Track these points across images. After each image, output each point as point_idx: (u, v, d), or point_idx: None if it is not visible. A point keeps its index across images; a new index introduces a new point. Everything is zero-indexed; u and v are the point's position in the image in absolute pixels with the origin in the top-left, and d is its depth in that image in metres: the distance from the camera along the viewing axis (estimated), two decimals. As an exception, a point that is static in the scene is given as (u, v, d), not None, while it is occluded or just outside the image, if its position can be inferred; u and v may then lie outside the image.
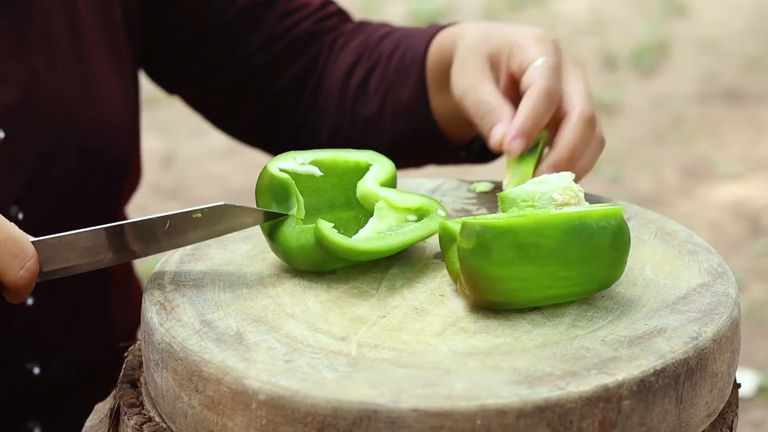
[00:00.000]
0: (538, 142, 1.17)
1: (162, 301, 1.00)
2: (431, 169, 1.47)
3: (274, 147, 1.46)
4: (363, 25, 1.42)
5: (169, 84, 1.47)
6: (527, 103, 1.12)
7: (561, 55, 1.17)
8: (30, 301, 1.31)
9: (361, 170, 1.09)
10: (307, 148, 1.23)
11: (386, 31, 1.39)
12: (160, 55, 1.43)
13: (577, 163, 1.14)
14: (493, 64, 1.21)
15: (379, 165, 1.09)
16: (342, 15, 1.43)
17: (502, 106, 1.16)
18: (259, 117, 1.43)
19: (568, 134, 1.13)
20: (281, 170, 1.05)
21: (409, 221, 1.06)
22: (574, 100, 1.15)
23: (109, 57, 1.34)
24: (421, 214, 1.06)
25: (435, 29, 1.32)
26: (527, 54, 1.16)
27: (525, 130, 1.12)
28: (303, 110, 1.41)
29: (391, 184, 1.09)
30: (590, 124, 1.14)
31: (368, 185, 1.08)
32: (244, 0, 1.39)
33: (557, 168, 1.12)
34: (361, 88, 1.35)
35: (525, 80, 1.14)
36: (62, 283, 1.30)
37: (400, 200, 1.07)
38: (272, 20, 1.39)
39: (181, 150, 3.69)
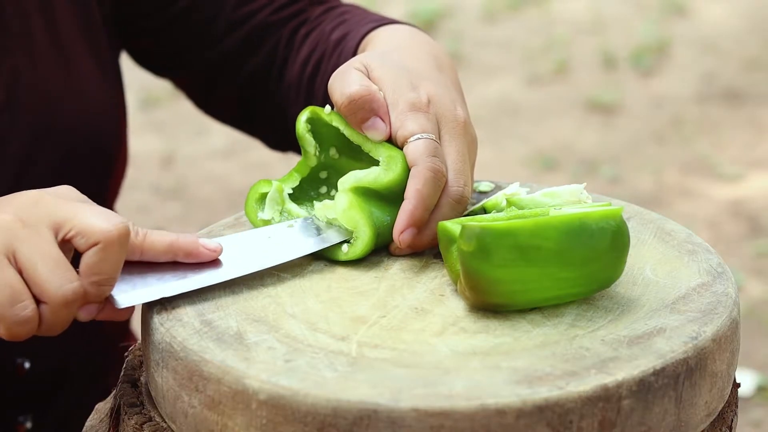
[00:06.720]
0: None
1: (162, 301, 1.00)
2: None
3: (254, 131, 1.47)
4: (329, 10, 1.41)
5: (153, 68, 1.48)
6: (414, 188, 1.06)
7: (437, 124, 1.10)
8: None
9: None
10: (282, 134, 1.36)
11: (341, 20, 1.37)
12: (136, 41, 1.44)
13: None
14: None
15: (378, 168, 1.08)
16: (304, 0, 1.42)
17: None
18: (236, 101, 1.44)
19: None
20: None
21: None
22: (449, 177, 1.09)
23: (89, 51, 1.35)
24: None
25: (373, 25, 1.32)
26: (405, 125, 1.09)
27: (415, 220, 1.06)
28: (273, 97, 1.41)
29: (371, 188, 1.07)
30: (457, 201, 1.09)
31: (342, 185, 1.08)
32: None
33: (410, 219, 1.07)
34: (311, 79, 1.35)
35: (408, 155, 1.08)
36: None
37: (331, 213, 1.07)
38: (230, 7, 1.39)
39: (181, 150, 3.69)
